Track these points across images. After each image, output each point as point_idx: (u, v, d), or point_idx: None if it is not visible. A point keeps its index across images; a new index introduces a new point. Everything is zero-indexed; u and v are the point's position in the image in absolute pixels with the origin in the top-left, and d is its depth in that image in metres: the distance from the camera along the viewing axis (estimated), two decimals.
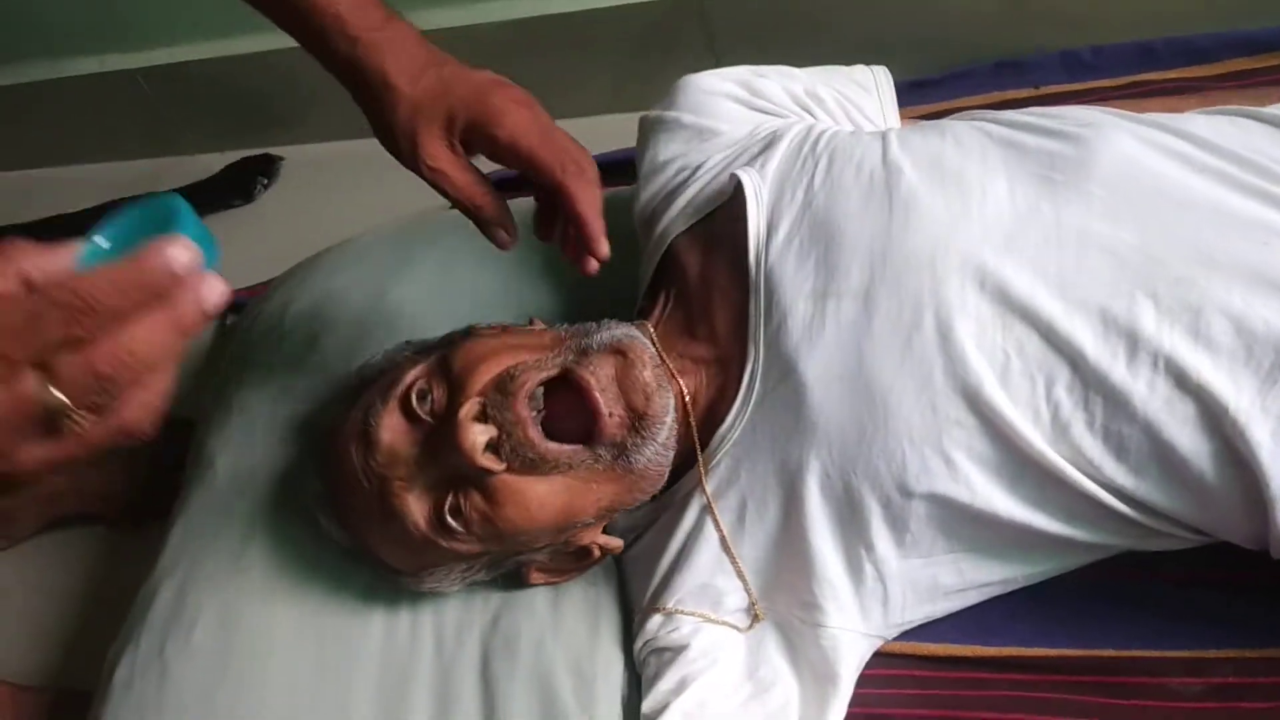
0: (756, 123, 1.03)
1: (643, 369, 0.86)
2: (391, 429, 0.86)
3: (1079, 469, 0.82)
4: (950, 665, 0.96)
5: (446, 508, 0.85)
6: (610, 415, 0.84)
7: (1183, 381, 0.78)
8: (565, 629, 0.96)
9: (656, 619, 0.94)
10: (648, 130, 1.08)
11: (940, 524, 0.86)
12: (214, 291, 0.47)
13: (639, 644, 0.94)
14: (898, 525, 0.86)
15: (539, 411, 0.85)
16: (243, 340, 1.27)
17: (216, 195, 1.86)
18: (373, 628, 0.97)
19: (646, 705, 0.90)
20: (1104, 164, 0.85)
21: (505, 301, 1.16)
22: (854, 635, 0.90)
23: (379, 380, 0.92)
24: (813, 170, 0.93)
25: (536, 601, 0.98)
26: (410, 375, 0.88)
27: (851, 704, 0.94)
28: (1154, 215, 0.83)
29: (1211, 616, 0.90)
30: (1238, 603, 0.92)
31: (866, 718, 0.94)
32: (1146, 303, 0.80)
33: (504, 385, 0.84)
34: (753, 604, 0.92)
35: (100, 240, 0.49)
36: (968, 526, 0.86)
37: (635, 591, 0.98)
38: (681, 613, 0.92)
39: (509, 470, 0.84)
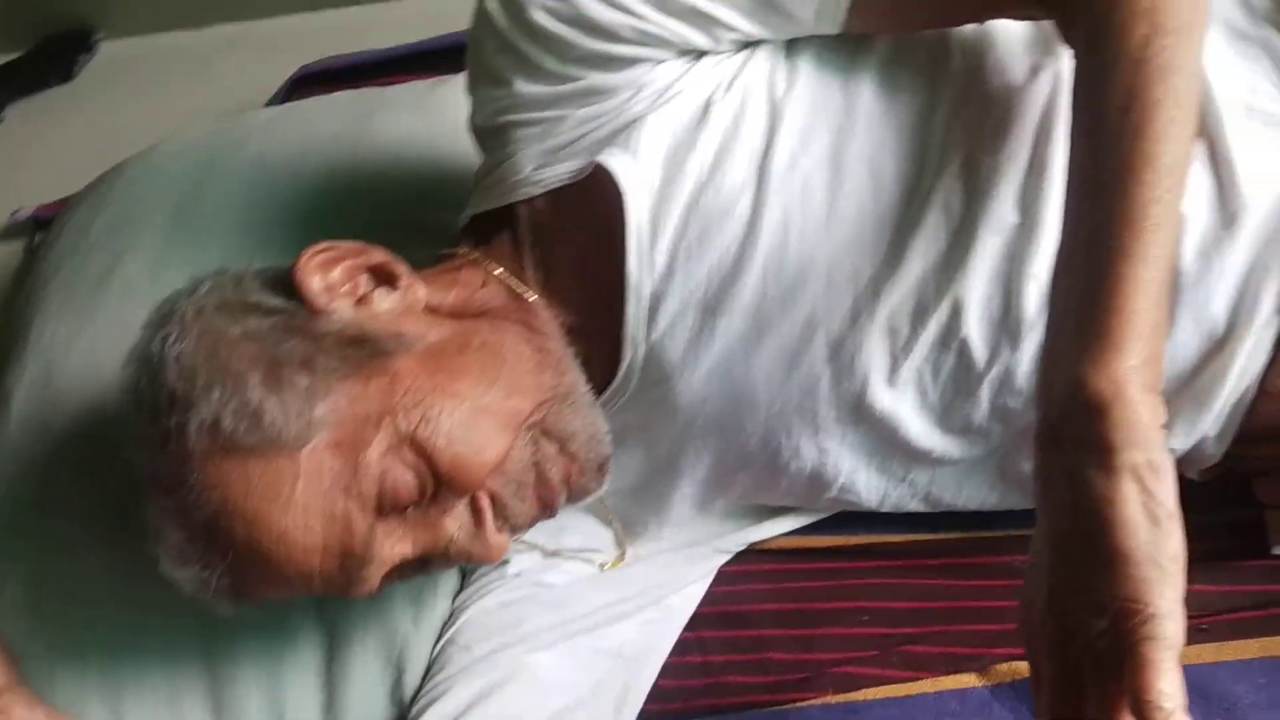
0: (624, 62, 0.77)
1: (590, 477, 0.81)
2: (379, 538, 0.73)
3: (965, 444, 0.83)
4: (801, 557, 0.96)
5: (414, 575, 0.79)
6: (553, 516, 0.81)
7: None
8: None
9: None
10: (487, 41, 0.79)
11: (803, 490, 0.89)
12: None
13: None
14: (760, 490, 0.90)
15: None
16: (43, 260, 1.17)
17: (33, 74, 1.75)
18: None
19: (456, 601, 0.91)
20: (981, 134, 0.78)
21: (327, 204, 1.09)
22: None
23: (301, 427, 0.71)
24: (699, 163, 0.78)
25: None
26: (378, 461, 0.71)
27: (705, 603, 0.94)
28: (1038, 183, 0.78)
29: None
30: None
31: (721, 616, 0.93)
32: (1031, 286, 0.77)
33: (516, 488, 0.76)
34: (620, 547, 0.94)
35: None
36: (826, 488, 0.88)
37: None
38: (519, 541, 0.91)
39: None
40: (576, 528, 0.93)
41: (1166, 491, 0.58)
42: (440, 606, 0.90)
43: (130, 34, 1.78)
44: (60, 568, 0.92)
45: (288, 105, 1.36)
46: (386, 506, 0.72)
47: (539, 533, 0.91)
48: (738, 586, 0.94)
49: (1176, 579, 0.56)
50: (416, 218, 1.04)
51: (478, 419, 0.74)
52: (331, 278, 0.76)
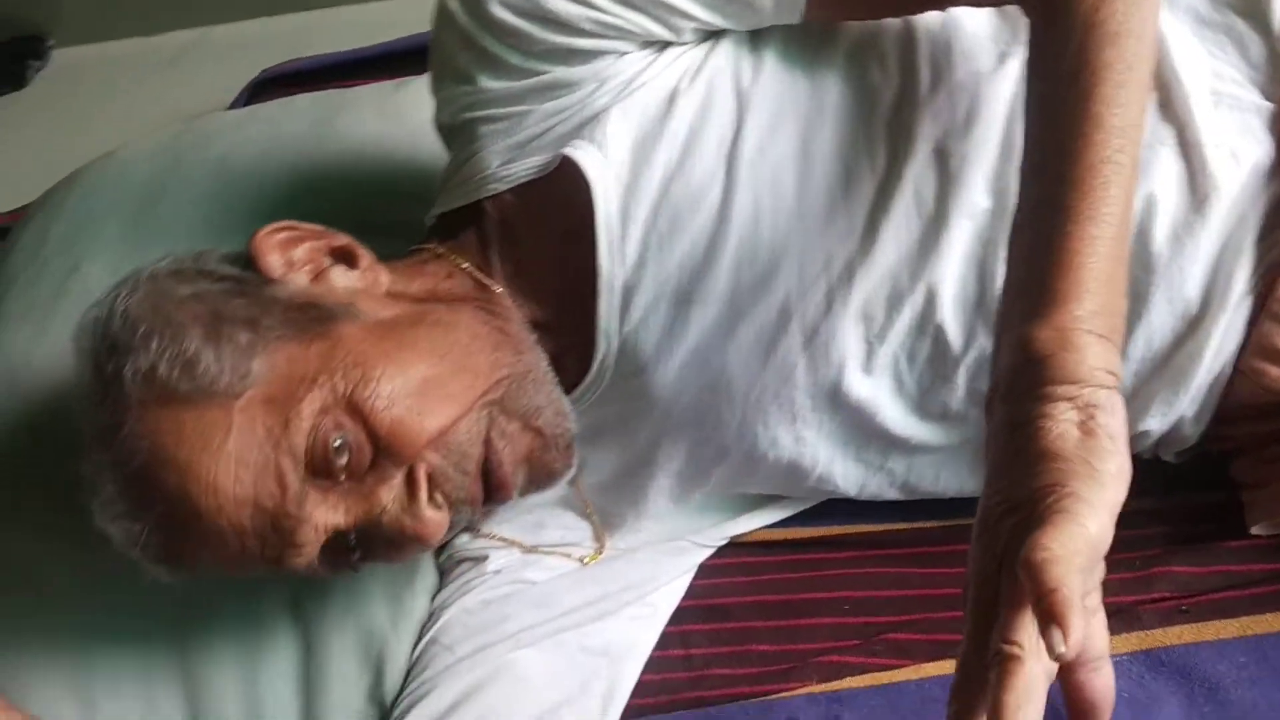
0: (586, 55, 0.78)
1: (557, 453, 0.79)
2: (309, 503, 0.71)
3: (942, 430, 0.83)
4: (780, 549, 0.95)
5: (349, 551, 0.76)
6: (511, 496, 0.78)
7: None
8: None
9: (465, 537, 0.91)
10: (450, 38, 0.79)
11: (781, 479, 0.88)
12: None
13: (443, 555, 0.92)
14: (738, 480, 0.89)
15: None
16: (1, 268, 1.14)
17: None
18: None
19: (436, 600, 0.89)
20: (951, 121, 0.79)
21: (291, 205, 1.07)
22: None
23: (230, 374, 0.71)
24: (667, 153, 0.78)
25: None
26: (311, 416, 0.71)
27: (687, 596, 0.94)
28: (1009, 168, 0.77)
29: None
30: None
31: (703, 610, 0.93)
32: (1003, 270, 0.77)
33: (458, 459, 0.74)
34: (595, 545, 0.92)
35: None
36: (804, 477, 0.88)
37: None
38: (494, 538, 0.90)
39: None
40: (554, 523, 0.92)
41: (1111, 419, 0.54)
42: (419, 605, 0.89)
43: (84, 41, 1.76)
44: (25, 576, 0.90)
45: (251, 108, 1.34)
46: (320, 467, 0.71)
47: (516, 529, 0.91)
48: (719, 579, 0.94)
49: (1111, 488, 0.52)
50: (381, 218, 1.02)
51: (423, 387, 0.73)
52: (292, 255, 0.77)
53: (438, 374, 0.74)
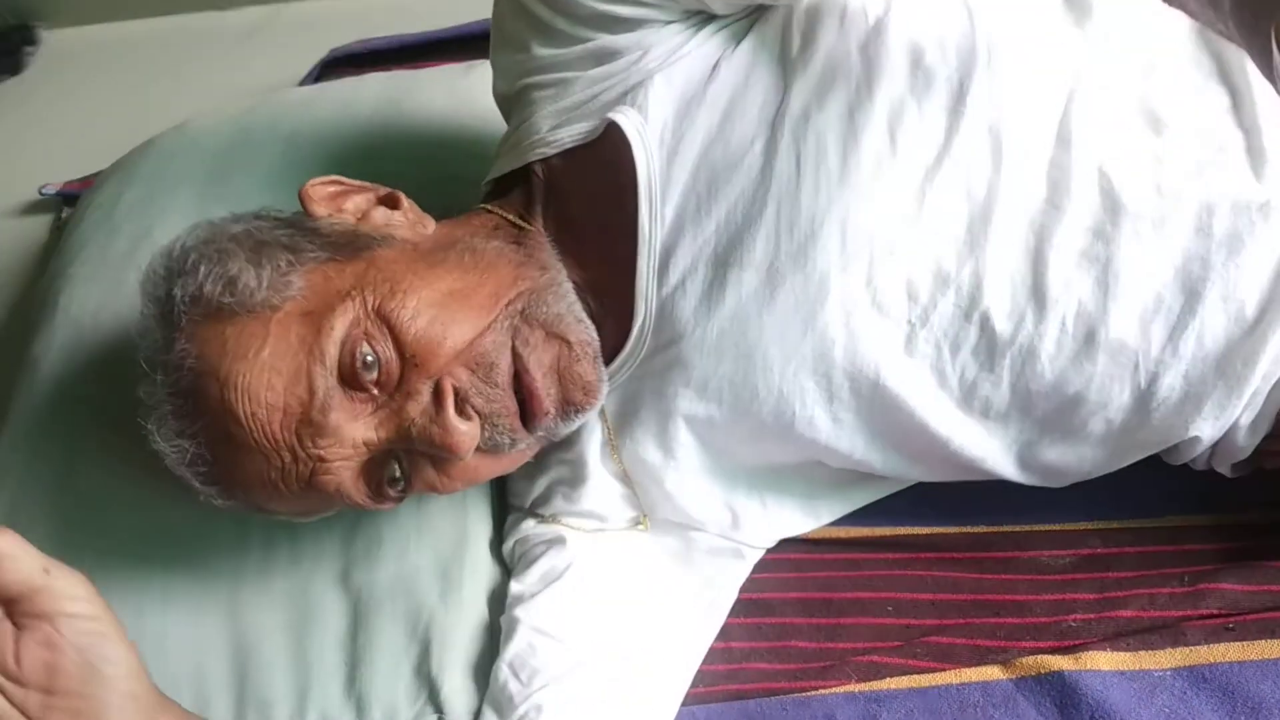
0: (629, 24, 0.81)
1: (586, 364, 0.80)
2: (338, 407, 0.73)
3: (984, 432, 0.82)
4: (826, 547, 0.96)
5: (389, 481, 0.78)
6: (548, 413, 0.79)
7: (1091, 337, 0.77)
8: (430, 531, 0.92)
9: (531, 522, 0.92)
10: (506, 9, 0.85)
11: (818, 462, 0.88)
12: None
13: (510, 542, 0.92)
14: (776, 457, 0.88)
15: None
16: (71, 234, 1.17)
17: None
18: (220, 544, 0.92)
19: (515, 587, 0.88)
20: (1008, 104, 0.79)
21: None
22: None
23: (263, 295, 0.74)
24: (709, 116, 0.80)
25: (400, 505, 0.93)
26: (343, 326, 0.73)
27: None
28: (1067, 158, 0.78)
29: (1078, 490, 0.89)
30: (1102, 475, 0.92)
31: (746, 604, 0.93)
32: (1055, 260, 0.77)
33: (486, 371, 0.76)
34: (641, 514, 0.92)
35: None
36: (840, 463, 0.88)
37: (515, 493, 0.95)
38: (561, 523, 0.91)
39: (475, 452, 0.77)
40: (610, 508, 0.91)
41: None
42: (468, 583, 0.89)
43: (158, 14, 1.78)
44: (86, 529, 0.92)
45: (322, 85, 1.36)
46: (350, 377, 0.73)
47: (578, 517, 0.91)
48: (764, 575, 0.94)
49: None
50: (448, 199, 1.04)
51: (447, 300, 0.76)
52: (340, 205, 0.82)
53: (462, 287, 0.77)
